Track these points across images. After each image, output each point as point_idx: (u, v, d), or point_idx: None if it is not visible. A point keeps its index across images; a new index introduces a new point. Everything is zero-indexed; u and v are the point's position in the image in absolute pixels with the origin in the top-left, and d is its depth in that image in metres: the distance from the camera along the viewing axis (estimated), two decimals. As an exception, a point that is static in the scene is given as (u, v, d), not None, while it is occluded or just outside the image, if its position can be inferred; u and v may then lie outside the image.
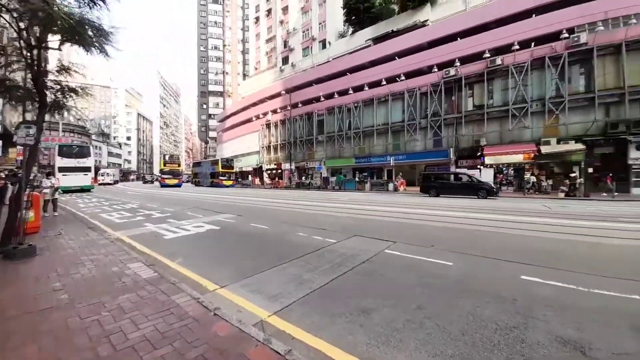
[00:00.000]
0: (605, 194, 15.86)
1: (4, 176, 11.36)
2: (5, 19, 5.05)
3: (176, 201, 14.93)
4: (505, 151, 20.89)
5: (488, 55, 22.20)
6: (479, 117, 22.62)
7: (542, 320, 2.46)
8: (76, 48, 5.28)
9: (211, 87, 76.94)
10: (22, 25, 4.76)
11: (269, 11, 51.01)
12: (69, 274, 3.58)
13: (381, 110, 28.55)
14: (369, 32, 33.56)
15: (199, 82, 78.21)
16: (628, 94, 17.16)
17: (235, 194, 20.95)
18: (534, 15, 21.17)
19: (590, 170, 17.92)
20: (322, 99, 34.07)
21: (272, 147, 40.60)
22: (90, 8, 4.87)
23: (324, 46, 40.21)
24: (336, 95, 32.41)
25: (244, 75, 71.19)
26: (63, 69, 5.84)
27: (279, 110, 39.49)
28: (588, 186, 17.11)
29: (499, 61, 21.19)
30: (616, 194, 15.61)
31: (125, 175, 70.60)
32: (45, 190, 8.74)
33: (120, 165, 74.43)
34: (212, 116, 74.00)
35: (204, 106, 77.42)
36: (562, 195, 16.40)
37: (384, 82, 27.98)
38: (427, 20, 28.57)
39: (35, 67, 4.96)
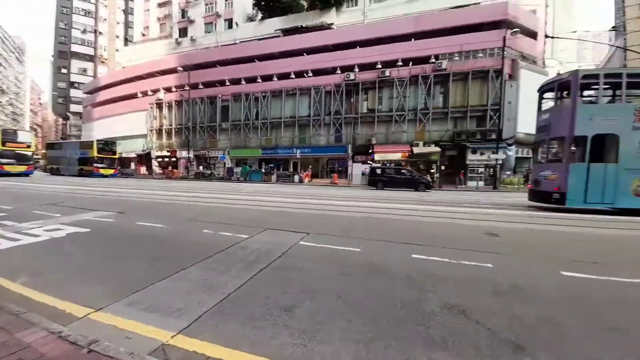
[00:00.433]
0: (459, 186, 20.96)
1: None
2: None
3: (18, 196, 10.93)
4: (389, 150, 24.70)
5: (380, 66, 25.48)
6: (371, 119, 25.84)
7: (432, 291, 2.95)
8: None
9: (75, 48, 59.19)
10: None
11: (162, -33, 43.08)
12: None
13: (289, 103, 28.74)
14: (278, 22, 32.97)
15: (57, 39, 59.22)
16: (469, 111, 23.02)
17: (114, 186, 17.01)
18: (412, 39, 25.51)
19: (443, 167, 23.34)
20: (228, 83, 31.55)
21: (164, 130, 35.01)
22: None
23: (230, 26, 37.06)
24: (243, 82, 30.61)
25: (126, 40, 58.23)
26: None
27: (174, 89, 34.19)
28: (442, 180, 22.21)
29: (387, 73, 24.64)
30: (462, 186, 20.90)
31: None
32: None
33: None
34: (76, 85, 57.38)
35: (64, 71, 59.06)
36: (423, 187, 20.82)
37: (293, 76, 28.22)
38: (333, 23, 30.30)
39: None
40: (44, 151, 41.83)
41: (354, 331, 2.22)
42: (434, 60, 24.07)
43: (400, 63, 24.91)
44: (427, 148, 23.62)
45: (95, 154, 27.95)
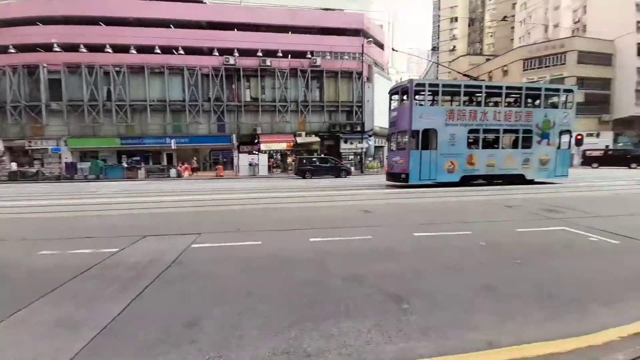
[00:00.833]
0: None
1: None
2: None
3: None
4: (275, 140, 25.21)
5: (261, 54, 25.15)
6: (256, 108, 25.44)
7: (332, 268, 3.33)
8: None
9: None
10: None
11: None
12: None
13: (156, 83, 24.27)
14: (131, -21, 26.59)
15: None
16: (341, 106, 26.23)
17: None
18: (290, 32, 26.41)
19: (323, 156, 25.93)
20: (58, 48, 23.23)
21: None
22: None
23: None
24: (84, 49, 23.35)
25: None
26: None
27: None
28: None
29: (268, 62, 24.67)
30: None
31: None
32: None
33: None
34: None
35: None
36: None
37: (159, 51, 23.80)
38: (205, -3, 27.28)
39: None
40: None
41: (271, 324, 2.25)
42: (310, 56, 25.83)
43: (280, 54, 25.38)
44: (308, 138, 25.46)
45: None
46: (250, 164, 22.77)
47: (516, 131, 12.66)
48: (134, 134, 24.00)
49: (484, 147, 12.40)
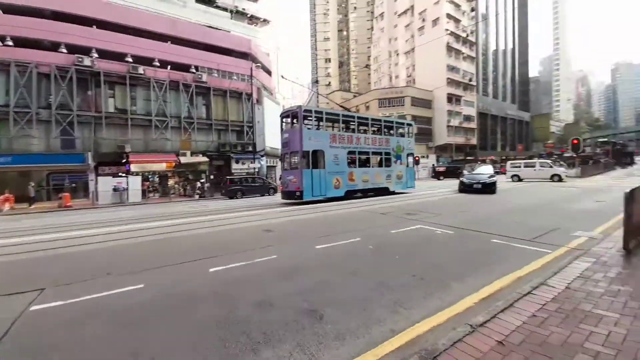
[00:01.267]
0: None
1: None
2: None
3: None
4: (151, 159, 21.59)
5: (131, 60, 21.55)
6: (123, 121, 21.28)
7: (240, 297, 3.10)
8: None
9: None
10: None
11: None
12: None
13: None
14: None
15: None
16: (230, 125, 25.36)
17: None
18: (169, 42, 24.01)
19: (212, 177, 24.12)
20: None
21: None
22: None
23: None
24: None
25: None
26: None
27: None
28: (212, 189, 22.84)
29: (141, 70, 21.38)
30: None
31: None
32: None
33: None
34: None
35: None
36: (197, 197, 20.40)
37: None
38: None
39: None
40: None
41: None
42: (194, 70, 24.04)
43: (158, 64, 22.48)
44: (195, 158, 23.11)
45: None
46: (115, 189, 18.34)
47: (380, 153, 15.77)
48: None
49: (360, 166, 14.71)
